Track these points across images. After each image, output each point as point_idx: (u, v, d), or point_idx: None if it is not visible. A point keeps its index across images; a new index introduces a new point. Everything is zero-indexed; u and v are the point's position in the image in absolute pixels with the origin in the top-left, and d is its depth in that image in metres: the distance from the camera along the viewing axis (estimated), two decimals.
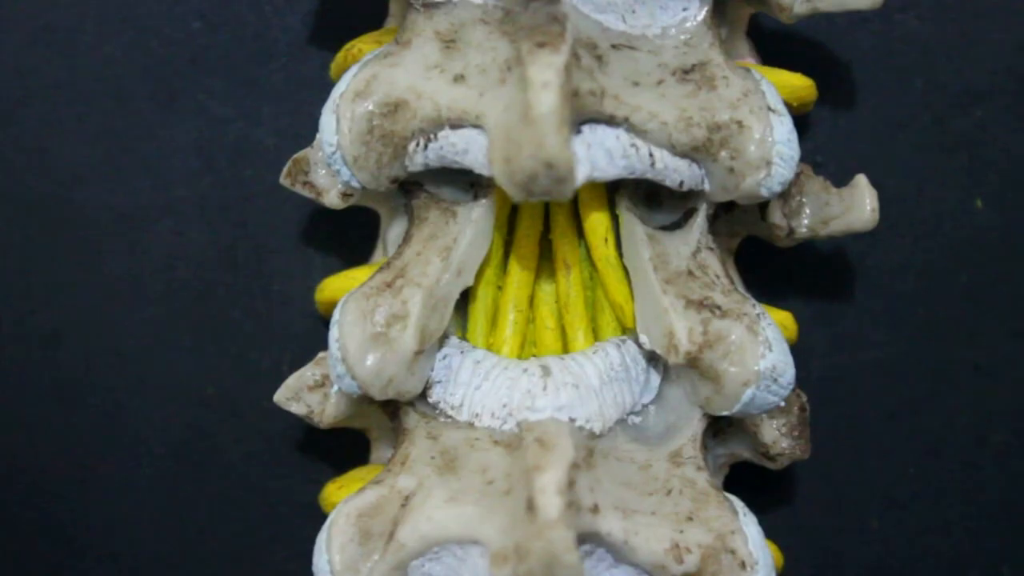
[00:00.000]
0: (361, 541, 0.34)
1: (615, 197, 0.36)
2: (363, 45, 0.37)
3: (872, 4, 0.36)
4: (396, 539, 0.34)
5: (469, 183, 0.36)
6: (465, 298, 0.36)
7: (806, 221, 0.37)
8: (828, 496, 0.42)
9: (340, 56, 0.38)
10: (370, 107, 0.34)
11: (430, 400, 0.36)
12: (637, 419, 0.36)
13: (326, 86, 0.40)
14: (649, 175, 0.34)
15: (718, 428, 0.37)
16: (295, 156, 0.36)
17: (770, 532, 0.37)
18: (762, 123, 0.34)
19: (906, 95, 0.42)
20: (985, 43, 0.42)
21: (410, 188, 0.36)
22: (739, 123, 0.34)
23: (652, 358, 0.36)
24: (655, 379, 0.36)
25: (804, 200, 0.37)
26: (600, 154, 0.33)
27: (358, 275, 0.38)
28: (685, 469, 0.35)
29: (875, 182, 0.37)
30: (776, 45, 0.42)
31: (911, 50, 0.42)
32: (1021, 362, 0.42)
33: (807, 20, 0.42)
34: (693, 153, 0.34)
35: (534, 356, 0.36)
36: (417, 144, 0.34)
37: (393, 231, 0.38)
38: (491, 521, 0.33)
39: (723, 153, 0.34)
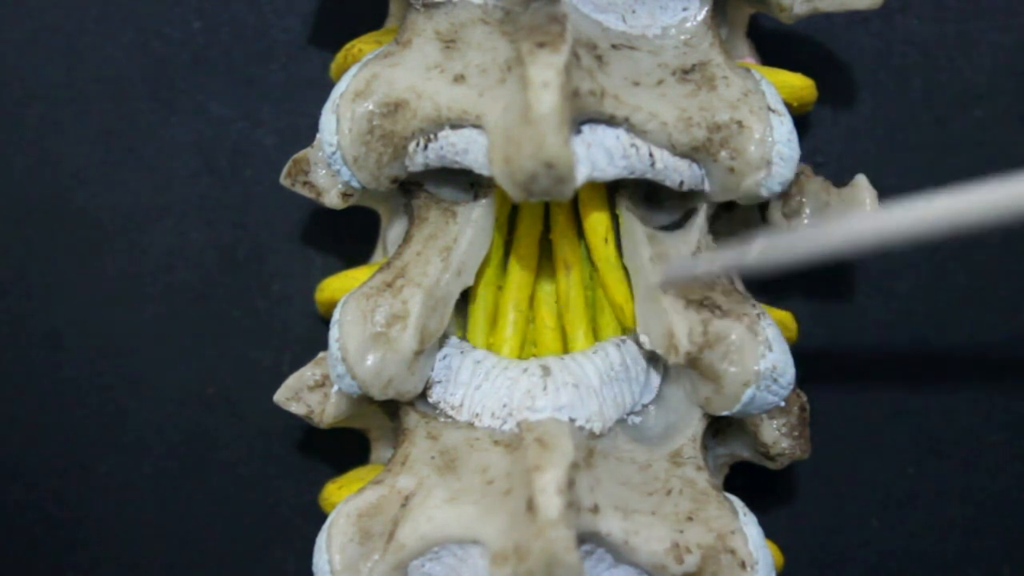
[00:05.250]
0: (361, 541, 0.34)
1: (615, 197, 0.36)
2: (363, 45, 0.37)
3: (872, 4, 0.36)
4: (396, 539, 0.34)
5: (469, 183, 0.36)
6: (465, 298, 0.36)
7: (806, 221, 0.37)
8: (828, 496, 0.42)
9: (340, 56, 0.38)
10: (370, 107, 0.34)
11: (430, 400, 0.36)
12: (637, 419, 0.36)
13: (326, 86, 0.40)
14: (649, 175, 0.34)
15: (718, 428, 0.37)
16: (295, 156, 0.36)
17: (770, 532, 0.37)
18: (762, 123, 0.34)
19: (906, 95, 0.42)
20: (985, 43, 0.42)
21: (410, 188, 0.36)
22: (739, 123, 0.34)
23: (652, 358, 0.36)
24: (655, 379, 0.36)
25: (804, 200, 0.37)
26: (600, 154, 0.33)
27: (358, 275, 0.37)
28: (685, 469, 0.35)
29: (875, 182, 0.37)
30: (776, 45, 0.42)
31: (911, 50, 0.42)
32: (1021, 362, 0.42)
33: (807, 20, 0.42)
34: (693, 153, 0.34)
35: (534, 356, 0.36)
36: (417, 144, 0.34)
37: (393, 231, 0.38)
38: (491, 521, 0.33)
39: (723, 153, 0.34)
